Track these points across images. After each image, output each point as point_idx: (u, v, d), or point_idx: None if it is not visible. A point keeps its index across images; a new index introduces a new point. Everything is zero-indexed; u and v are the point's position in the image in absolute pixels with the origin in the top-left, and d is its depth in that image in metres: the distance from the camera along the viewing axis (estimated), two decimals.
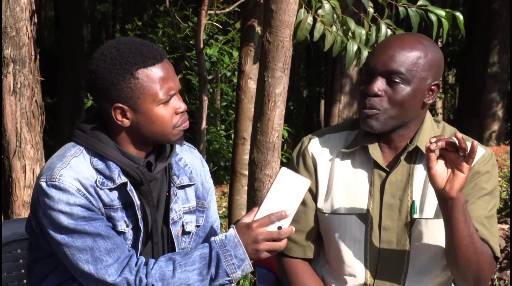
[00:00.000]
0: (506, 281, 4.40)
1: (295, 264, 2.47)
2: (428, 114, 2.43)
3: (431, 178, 2.18)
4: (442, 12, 4.75)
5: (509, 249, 4.71)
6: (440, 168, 2.17)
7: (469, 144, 2.31)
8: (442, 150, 2.15)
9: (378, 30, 4.78)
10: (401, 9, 4.81)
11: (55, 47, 19.76)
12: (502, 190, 5.92)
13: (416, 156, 2.38)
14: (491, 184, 2.35)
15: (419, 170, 2.37)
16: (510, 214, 5.18)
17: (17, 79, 3.97)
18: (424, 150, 2.33)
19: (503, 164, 8.41)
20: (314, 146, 2.45)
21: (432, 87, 2.34)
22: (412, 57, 2.29)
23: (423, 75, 2.30)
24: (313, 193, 2.44)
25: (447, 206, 2.20)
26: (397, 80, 2.28)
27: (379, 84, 2.30)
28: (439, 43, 18.61)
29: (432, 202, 2.35)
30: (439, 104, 21.07)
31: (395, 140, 2.38)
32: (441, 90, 20.17)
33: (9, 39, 3.92)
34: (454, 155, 2.15)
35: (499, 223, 5.19)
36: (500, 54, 13.82)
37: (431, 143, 2.13)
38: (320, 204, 2.42)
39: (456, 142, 2.13)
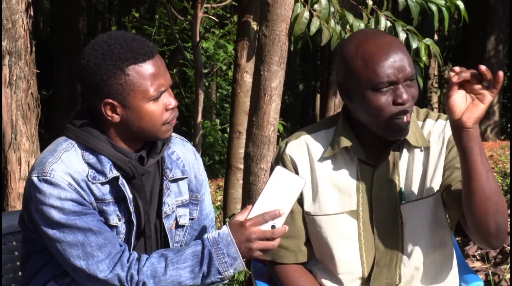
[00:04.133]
0: (501, 276, 4.40)
1: (290, 270, 2.44)
2: None
3: (448, 107, 2.14)
4: (442, 1, 4.74)
5: (505, 244, 4.72)
6: (459, 98, 2.13)
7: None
8: (463, 81, 2.11)
9: (377, 22, 4.77)
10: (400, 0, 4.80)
11: (50, 39, 19.71)
12: None
13: (401, 144, 2.36)
14: None
15: (404, 157, 2.36)
16: (509, 208, 5.19)
17: (13, 71, 3.96)
18: (410, 141, 2.33)
19: (499, 160, 8.41)
20: (292, 150, 2.41)
21: None
22: (407, 52, 2.28)
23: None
24: (299, 197, 2.37)
25: (461, 138, 2.15)
26: (413, 80, 2.26)
27: (406, 90, 2.26)
28: (436, 36, 18.61)
29: (416, 184, 2.35)
30: (435, 98, 21.07)
31: None
32: (437, 85, 20.16)
33: (5, 31, 3.91)
34: (476, 85, 2.11)
35: None
36: (496, 49, 13.84)
37: (454, 75, 2.11)
38: (308, 207, 2.40)
39: (482, 72, 2.08)
